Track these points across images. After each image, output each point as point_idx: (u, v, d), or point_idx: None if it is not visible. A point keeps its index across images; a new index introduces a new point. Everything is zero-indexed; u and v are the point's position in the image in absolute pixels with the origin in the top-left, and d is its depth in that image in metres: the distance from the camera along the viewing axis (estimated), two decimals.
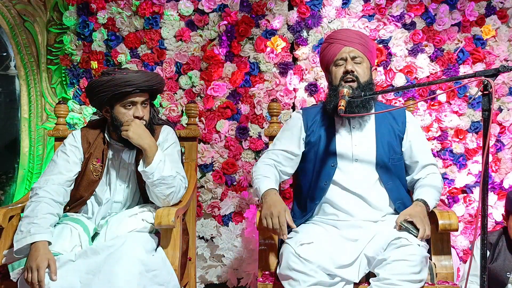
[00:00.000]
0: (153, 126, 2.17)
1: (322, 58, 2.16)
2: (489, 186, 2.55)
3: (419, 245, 1.76)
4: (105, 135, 2.15)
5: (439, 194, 2.05)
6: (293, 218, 2.10)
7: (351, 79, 2.02)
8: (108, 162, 2.15)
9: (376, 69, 2.90)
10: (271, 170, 2.11)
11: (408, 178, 2.12)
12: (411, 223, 1.82)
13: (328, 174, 2.03)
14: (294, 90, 3.00)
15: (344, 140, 2.06)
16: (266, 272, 1.97)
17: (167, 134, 2.21)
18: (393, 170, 2.04)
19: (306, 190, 2.10)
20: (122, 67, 2.97)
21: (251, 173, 2.10)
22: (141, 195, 2.18)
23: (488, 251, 1.64)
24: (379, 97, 2.89)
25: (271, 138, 2.51)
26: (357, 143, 2.05)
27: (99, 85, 2.03)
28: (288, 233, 1.99)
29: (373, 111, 2.09)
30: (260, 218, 1.91)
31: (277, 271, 1.88)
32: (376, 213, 2.00)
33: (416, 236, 1.77)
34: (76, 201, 2.13)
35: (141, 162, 2.01)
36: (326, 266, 1.76)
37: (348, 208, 1.99)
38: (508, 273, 2.31)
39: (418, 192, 2.02)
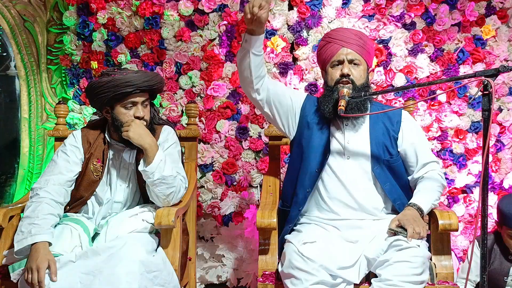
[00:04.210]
0: (153, 126, 2.17)
1: (319, 56, 2.15)
2: (489, 186, 2.55)
3: (418, 245, 1.76)
4: (106, 135, 2.15)
5: (439, 193, 2.03)
6: (285, 209, 2.11)
7: (346, 82, 2.00)
8: (109, 162, 2.15)
9: (373, 70, 2.90)
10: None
11: (409, 178, 2.11)
12: (402, 227, 1.82)
13: (320, 162, 2.02)
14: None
15: (337, 136, 2.05)
16: (266, 272, 1.98)
17: (167, 134, 2.21)
18: (390, 171, 2.03)
19: (295, 177, 2.07)
20: (122, 67, 2.97)
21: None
22: (141, 195, 2.18)
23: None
24: (379, 97, 2.90)
25: (271, 138, 2.51)
26: (349, 140, 2.04)
27: (99, 86, 2.03)
28: (290, 232, 2.00)
29: (369, 111, 2.08)
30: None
31: (279, 269, 1.88)
32: (369, 210, 1.99)
33: (406, 236, 1.77)
34: (77, 201, 2.13)
35: (141, 161, 2.01)
36: (328, 266, 1.76)
37: (346, 200, 1.99)
38: (505, 278, 2.32)
39: (413, 193, 2.02)
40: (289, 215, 2.07)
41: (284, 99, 2.11)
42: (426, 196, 1.98)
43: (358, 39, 2.05)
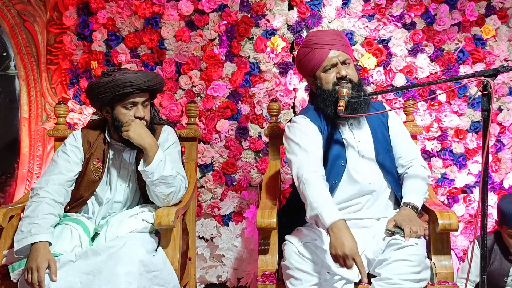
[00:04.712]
0: (153, 126, 2.17)
1: (304, 64, 2.08)
2: (489, 186, 2.56)
3: (416, 244, 1.76)
4: (106, 135, 2.16)
5: (427, 185, 2.04)
6: (295, 206, 2.08)
7: (345, 83, 2.00)
8: (109, 162, 2.15)
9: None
10: (327, 189, 1.87)
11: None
12: (398, 227, 1.82)
13: (337, 172, 2.00)
14: (294, 90, 3.00)
15: (349, 137, 2.05)
16: (266, 272, 1.98)
17: (167, 134, 2.21)
18: (390, 162, 2.06)
19: None
20: (122, 67, 2.97)
21: (300, 187, 1.85)
22: (141, 195, 2.18)
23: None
24: (379, 97, 2.91)
25: (271, 138, 2.51)
26: (359, 139, 2.04)
27: (100, 86, 2.03)
28: (291, 233, 1.99)
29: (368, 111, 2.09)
30: (332, 254, 1.68)
31: (282, 264, 1.88)
32: (383, 208, 2.00)
33: (403, 236, 1.77)
34: (77, 201, 2.13)
35: (141, 161, 2.01)
36: (327, 265, 1.76)
37: (357, 205, 1.99)
38: (505, 278, 2.32)
39: (403, 192, 2.02)
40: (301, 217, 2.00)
41: (320, 143, 2.01)
42: (417, 193, 1.98)
43: (340, 38, 2.06)
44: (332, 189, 1.98)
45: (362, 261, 1.67)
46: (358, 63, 2.94)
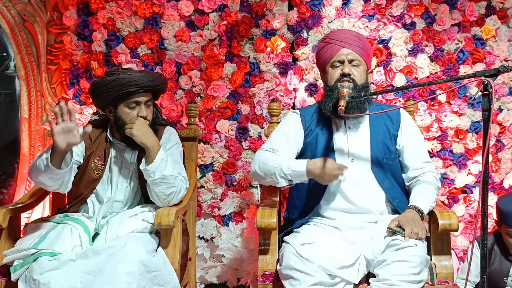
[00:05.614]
0: (156, 126, 2.18)
1: (318, 57, 2.15)
2: (489, 186, 2.55)
3: (416, 245, 1.76)
4: (108, 134, 2.16)
5: (436, 195, 2.04)
6: (292, 219, 2.10)
7: (347, 81, 2.01)
8: (110, 161, 2.16)
9: (372, 72, 2.90)
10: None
11: (404, 176, 2.12)
12: (401, 227, 1.82)
13: None
14: (294, 90, 3.00)
15: (340, 140, 2.06)
16: (266, 272, 1.98)
17: (170, 134, 2.21)
18: (388, 170, 2.04)
19: (305, 190, 2.08)
20: (125, 67, 2.97)
21: (257, 168, 2.04)
22: (142, 194, 2.18)
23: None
24: (379, 97, 2.91)
25: None
26: (352, 143, 2.05)
27: (103, 85, 2.03)
28: (289, 233, 2.00)
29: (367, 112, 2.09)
30: (325, 181, 1.91)
31: (278, 268, 1.88)
32: (372, 213, 2.00)
33: (404, 236, 1.77)
34: (76, 198, 2.13)
35: (143, 160, 2.02)
36: (326, 266, 1.76)
37: (346, 208, 1.99)
38: (505, 278, 2.33)
39: (411, 196, 2.02)
40: (295, 222, 2.07)
41: (296, 141, 2.12)
42: (425, 199, 1.99)
43: (357, 40, 2.07)
44: (323, 190, 2.00)
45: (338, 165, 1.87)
46: None
